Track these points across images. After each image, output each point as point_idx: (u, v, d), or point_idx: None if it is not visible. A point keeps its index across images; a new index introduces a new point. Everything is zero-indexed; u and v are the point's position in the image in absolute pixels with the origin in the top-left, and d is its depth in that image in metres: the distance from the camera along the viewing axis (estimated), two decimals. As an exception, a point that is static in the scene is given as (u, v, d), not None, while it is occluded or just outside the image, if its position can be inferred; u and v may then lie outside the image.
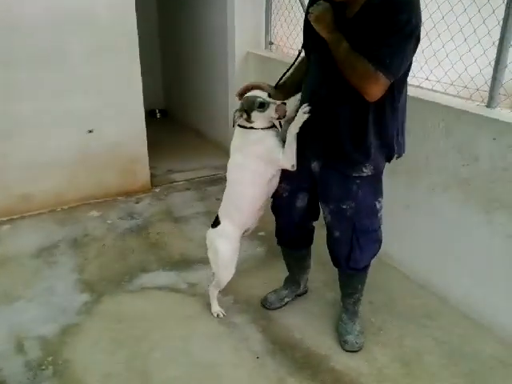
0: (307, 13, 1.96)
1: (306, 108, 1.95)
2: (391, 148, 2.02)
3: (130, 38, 3.54)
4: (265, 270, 2.89)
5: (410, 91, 2.71)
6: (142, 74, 5.35)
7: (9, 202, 3.49)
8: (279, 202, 2.27)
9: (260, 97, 2.03)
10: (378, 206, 2.12)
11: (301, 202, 2.21)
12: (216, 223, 2.31)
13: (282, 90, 2.18)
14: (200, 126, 5.33)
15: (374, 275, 2.81)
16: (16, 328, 2.41)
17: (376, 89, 1.78)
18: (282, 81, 2.19)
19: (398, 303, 2.64)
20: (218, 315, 2.47)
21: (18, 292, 2.68)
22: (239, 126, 2.11)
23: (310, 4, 1.95)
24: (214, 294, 2.46)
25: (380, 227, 2.19)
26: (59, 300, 2.63)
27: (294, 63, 2.13)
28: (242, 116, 2.05)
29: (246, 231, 2.33)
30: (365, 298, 2.59)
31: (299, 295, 2.65)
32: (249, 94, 2.08)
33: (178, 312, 2.55)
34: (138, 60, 3.63)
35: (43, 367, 2.17)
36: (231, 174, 2.22)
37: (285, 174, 2.13)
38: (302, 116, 1.95)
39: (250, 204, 2.21)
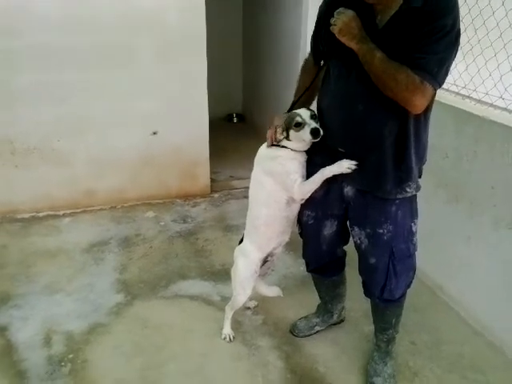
0: (320, 17, 1.79)
1: (352, 164, 1.78)
2: (423, 161, 1.85)
3: (198, 42, 3.54)
4: (304, 291, 2.71)
5: (478, 110, 2.45)
6: (223, 79, 5.51)
7: (74, 195, 3.67)
8: (305, 230, 2.11)
9: (300, 115, 1.87)
10: (413, 228, 1.91)
11: (329, 229, 2.02)
12: (242, 240, 2.21)
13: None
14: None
15: (423, 312, 2.57)
16: (49, 320, 2.49)
17: (423, 100, 1.60)
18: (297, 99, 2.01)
19: (444, 348, 2.35)
20: (225, 338, 2.35)
21: (61, 285, 2.78)
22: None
23: (326, 9, 1.76)
24: (228, 314, 2.36)
25: (415, 253, 1.96)
26: (95, 297, 2.68)
27: (313, 81, 1.93)
28: (282, 132, 1.91)
29: (270, 255, 2.19)
30: (407, 337, 2.37)
31: (334, 324, 2.45)
32: (295, 111, 1.92)
33: (204, 326, 2.48)
34: (205, 64, 3.61)
35: (62, 364, 2.22)
36: (250, 189, 2.11)
37: (309, 200, 1.96)
38: (344, 168, 1.79)
39: (265, 226, 2.07)
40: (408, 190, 1.81)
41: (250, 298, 2.50)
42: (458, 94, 2.76)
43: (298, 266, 2.96)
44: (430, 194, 2.65)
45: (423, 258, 2.44)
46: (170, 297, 2.70)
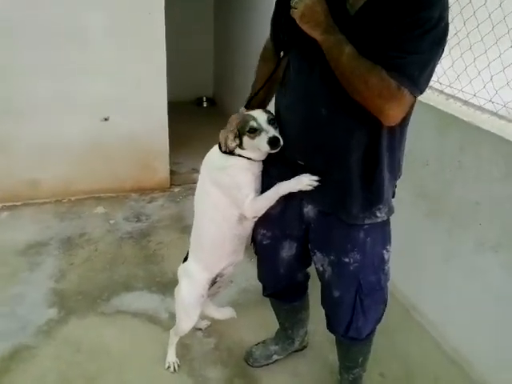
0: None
1: (313, 181, 1.47)
2: (396, 178, 1.55)
3: (155, 15, 3.16)
4: (264, 307, 2.35)
5: (464, 114, 2.18)
6: (192, 60, 5.10)
7: (14, 186, 3.28)
8: (259, 250, 1.80)
9: (255, 119, 1.53)
10: (386, 256, 1.61)
11: (287, 251, 1.71)
12: (186, 258, 1.90)
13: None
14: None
15: (393, 335, 2.31)
16: (-34, 341, 2.14)
17: (399, 110, 1.29)
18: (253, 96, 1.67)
19: (417, 379, 2.10)
20: (168, 367, 2.05)
21: (-14, 295, 2.43)
22: (220, 149, 1.64)
23: None
24: (173, 339, 2.05)
25: (387, 284, 1.66)
26: (24, 312, 2.34)
27: (273, 72, 1.58)
28: (235, 139, 1.57)
29: (219, 276, 1.88)
30: (376, 368, 2.12)
31: (295, 351, 2.17)
32: (249, 112, 1.58)
33: (147, 350, 2.17)
34: (164, 45, 3.23)
35: (-29, 399, 1.89)
36: (195, 197, 1.79)
37: (264, 216, 1.64)
38: (304, 185, 1.48)
39: (212, 244, 1.76)
40: (378, 214, 1.51)
41: (202, 318, 2.19)
42: (441, 92, 2.47)
43: (259, 278, 2.65)
44: (408, 204, 2.38)
45: (397, 273, 2.16)
46: (111, 313, 2.37)
